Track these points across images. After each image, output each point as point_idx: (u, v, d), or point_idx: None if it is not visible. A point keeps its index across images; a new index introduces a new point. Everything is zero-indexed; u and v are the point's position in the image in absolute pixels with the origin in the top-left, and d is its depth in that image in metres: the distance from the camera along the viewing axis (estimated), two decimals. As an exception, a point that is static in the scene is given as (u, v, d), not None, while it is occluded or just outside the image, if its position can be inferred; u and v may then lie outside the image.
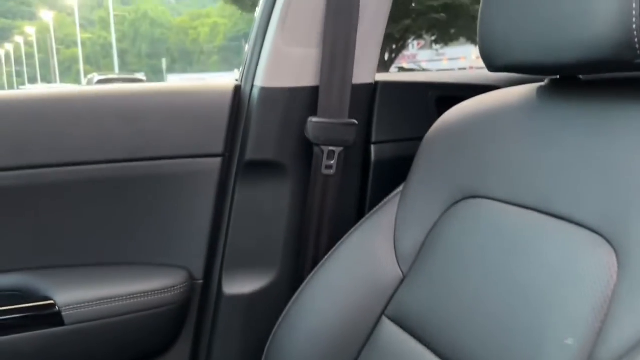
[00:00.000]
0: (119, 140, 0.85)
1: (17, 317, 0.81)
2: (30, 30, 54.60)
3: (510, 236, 0.59)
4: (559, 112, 0.60)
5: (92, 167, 0.84)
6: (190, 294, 0.90)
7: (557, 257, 0.53)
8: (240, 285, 0.92)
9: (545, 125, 0.61)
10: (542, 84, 0.67)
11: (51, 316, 0.80)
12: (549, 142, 0.59)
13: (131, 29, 55.62)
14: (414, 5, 11.74)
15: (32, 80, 45.75)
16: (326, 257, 0.79)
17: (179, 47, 58.52)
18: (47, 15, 49.59)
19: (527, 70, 0.61)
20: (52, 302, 0.80)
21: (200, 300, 0.92)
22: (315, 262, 0.85)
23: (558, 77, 0.64)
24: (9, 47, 59.46)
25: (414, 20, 12.00)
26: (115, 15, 32.29)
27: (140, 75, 17.05)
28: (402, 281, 0.72)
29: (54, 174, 0.82)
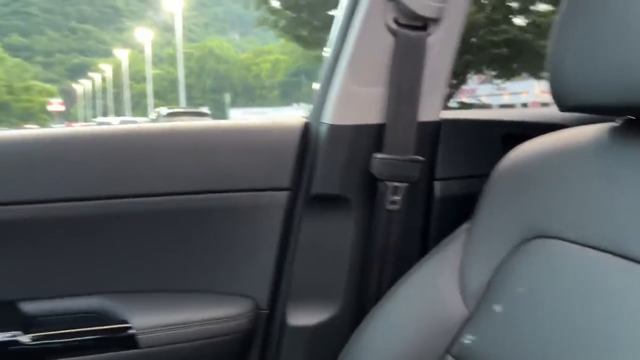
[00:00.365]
0: (193, 174, 0.90)
1: (94, 339, 0.85)
2: (105, 67, 58.50)
3: (583, 278, 0.57)
4: (633, 153, 0.59)
5: (167, 198, 0.89)
6: (255, 323, 0.92)
7: (635, 302, 0.51)
8: (304, 317, 0.93)
9: (619, 167, 0.59)
10: (615, 124, 0.65)
11: (126, 339, 0.84)
12: (623, 183, 0.58)
13: (197, 65, 58.34)
14: (474, 40, 11.69)
15: (105, 113, 48.60)
16: (389, 292, 0.79)
17: (242, 82, 60.73)
18: (121, 53, 53.03)
19: (601, 111, 0.59)
20: (128, 325, 0.85)
21: (264, 330, 0.94)
22: (378, 297, 0.85)
23: (633, 117, 0.63)
24: (85, 82, 63.86)
25: (474, 55, 11.92)
26: (183, 52, 34.03)
27: (205, 109, 17.75)
28: (467, 320, 0.70)
29: (132, 204, 0.88)
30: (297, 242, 0.93)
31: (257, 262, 0.93)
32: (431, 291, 0.75)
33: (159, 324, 0.86)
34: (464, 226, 0.77)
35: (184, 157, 0.89)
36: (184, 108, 18.41)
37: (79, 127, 0.92)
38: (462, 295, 0.72)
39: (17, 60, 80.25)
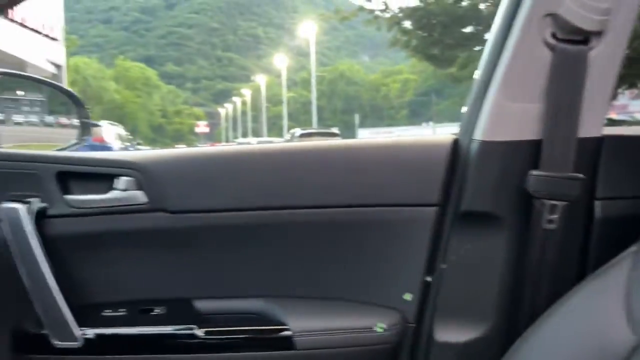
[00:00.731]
0: (346, 188, 0.95)
1: (256, 338, 0.94)
2: (245, 91, 62.93)
3: None
4: None
5: (323, 210, 0.96)
6: (402, 336, 0.94)
7: None
8: (452, 334, 0.93)
9: None
10: None
11: (284, 340, 0.92)
12: None
13: (329, 87, 60.27)
14: (627, 51, 10.63)
15: (244, 134, 52.05)
16: (545, 314, 0.76)
17: (370, 102, 61.47)
18: (259, 78, 56.72)
19: None
20: (287, 327, 0.92)
21: (411, 343, 0.95)
22: (532, 318, 0.83)
23: None
24: (228, 106, 69.26)
25: (627, 68, 10.84)
26: (315, 75, 35.43)
27: (335, 130, 18.29)
28: (636, 348, 0.65)
29: (293, 215, 0.96)
30: (446, 257, 0.93)
31: (406, 276, 0.95)
32: (593, 316, 0.71)
33: (314, 328, 0.92)
34: (631, 249, 0.72)
35: (339, 173, 0.95)
36: (316, 129, 19.14)
37: (249, 145, 1.03)
38: (630, 322, 0.67)
39: (171, 87, 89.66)
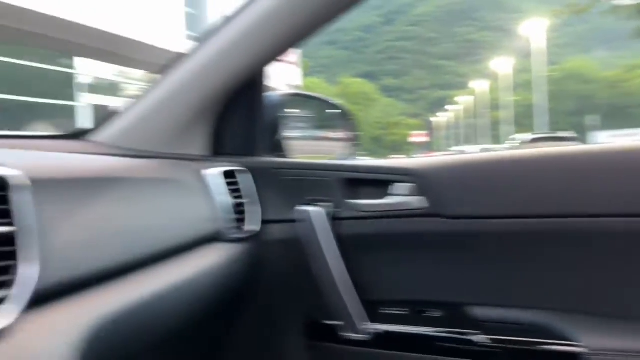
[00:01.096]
0: (637, 195, 0.84)
1: (541, 351, 0.89)
2: (462, 98, 61.50)
3: None
4: None
5: (613, 220, 0.86)
6: None
7: None
8: None
9: None
10: None
11: (576, 357, 0.86)
12: None
13: (557, 87, 55.16)
14: None
15: (464, 142, 50.82)
16: None
17: (608, 102, 54.35)
18: (477, 84, 54.84)
19: None
20: (580, 344, 0.85)
21: None
22: None
23: None
24: (441, 114, 68.53)
25: None
26: (542, 76, 32.72)
27: (570, 134, 16.47)
28: None
29: (579, 224, 0.87)
30: None
31: None
32: None
33: (612, 348, 0.85)
34: None
35: (630, 178, 0.85)
36: (547, 133, 17.46)
37: (527, 150, 0.97)
38: None
39: (389, 100, 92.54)
